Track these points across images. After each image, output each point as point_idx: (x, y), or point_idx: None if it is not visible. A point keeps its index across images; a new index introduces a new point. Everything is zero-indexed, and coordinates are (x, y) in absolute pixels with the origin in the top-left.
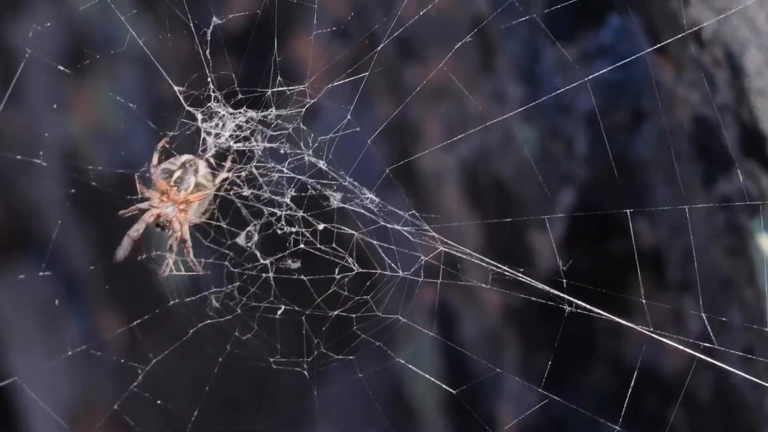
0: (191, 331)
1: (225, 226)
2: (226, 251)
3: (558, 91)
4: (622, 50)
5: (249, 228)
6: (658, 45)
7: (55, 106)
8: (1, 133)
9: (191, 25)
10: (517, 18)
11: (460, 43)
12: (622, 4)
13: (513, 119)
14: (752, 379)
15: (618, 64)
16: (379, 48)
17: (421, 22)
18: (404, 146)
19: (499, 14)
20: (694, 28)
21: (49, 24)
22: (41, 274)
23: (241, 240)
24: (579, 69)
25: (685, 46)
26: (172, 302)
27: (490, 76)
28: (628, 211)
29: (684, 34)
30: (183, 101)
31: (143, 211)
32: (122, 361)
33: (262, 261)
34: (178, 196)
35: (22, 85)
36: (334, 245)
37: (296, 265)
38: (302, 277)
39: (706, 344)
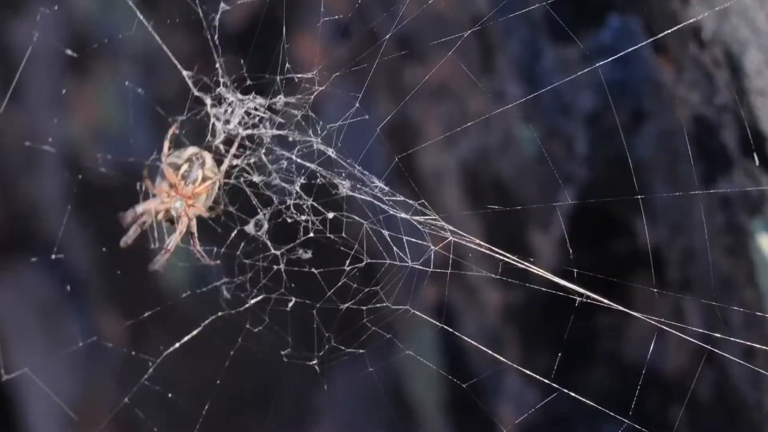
0: (202, 324)
1: (235, 211)
2: (238, 241)
3: (567, 80)
4: (621, 50)
5: (258, 216)
6: (658, 45)
7: (63, 92)
8: (9, 120)
9: (199, 10)
10: (525, 10)
11: (468, 32)
12: (622, 4)
13: (520, 115)
14: (761, 371)
15: (617, 62)
16: (387, 36)
17: (429, 11)
18: (412, 136)
19: (505, 6)
20: (692, 20)
21: (56, 7)
22: (54, 257)
23: (249, 228)
24: (588, 58)
25: (685, 46)
26: (184, 294)
27: (496, 68)
28: (639, 197)
29: (681, 25)
30: (192, 86)
31: (149, 207)
32: (133, 353)
33: (273, 251)
34: (185, 190)
35: (31, 70)
36: (343, 234)
37: (308, 255)
38: (313, 269)
39: (716, 334)
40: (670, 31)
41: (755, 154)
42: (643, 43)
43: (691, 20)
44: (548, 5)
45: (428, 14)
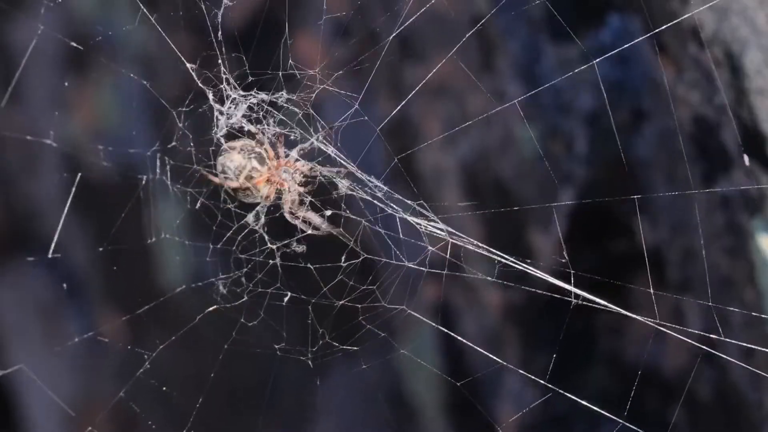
0: (198, 317)
1: (233, 208)
2: (234, 237)
3: (560, 79)
4: (621, 50)
5: (257, 208)
6: (658, 44)
7: (66, 84)
8: (11, 114)
9: (202, 6)
10: (523, 9)
11: (469, 33)
12: (622, 4)
13: (518, 115)
14: (756, 371)
15: (617, 62)
16: (390, 38)
17: (431, 13)
18: (412, 137)
19: (505, 5)
20: (688, 15)
21: (59, 0)
22: (51, 256)
23: (250, 219)
24: (586, 56)
25: (685, 45)
26: (179, 289)
27: (495, 69)
28: (635, 197)
29: (680, 19)
30: (196, 77)
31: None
32: (129, 347)
33: (269, 245)
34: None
35: (34, 62)
36: (341, 230)
37: (302, 249)
38: (308, 265)
39: (713, 336)
40: (665, 25)
41: (755, 155)
42: (639, 39)
43: (688, 15)
44: (548, 4)
45: (430, 14)
